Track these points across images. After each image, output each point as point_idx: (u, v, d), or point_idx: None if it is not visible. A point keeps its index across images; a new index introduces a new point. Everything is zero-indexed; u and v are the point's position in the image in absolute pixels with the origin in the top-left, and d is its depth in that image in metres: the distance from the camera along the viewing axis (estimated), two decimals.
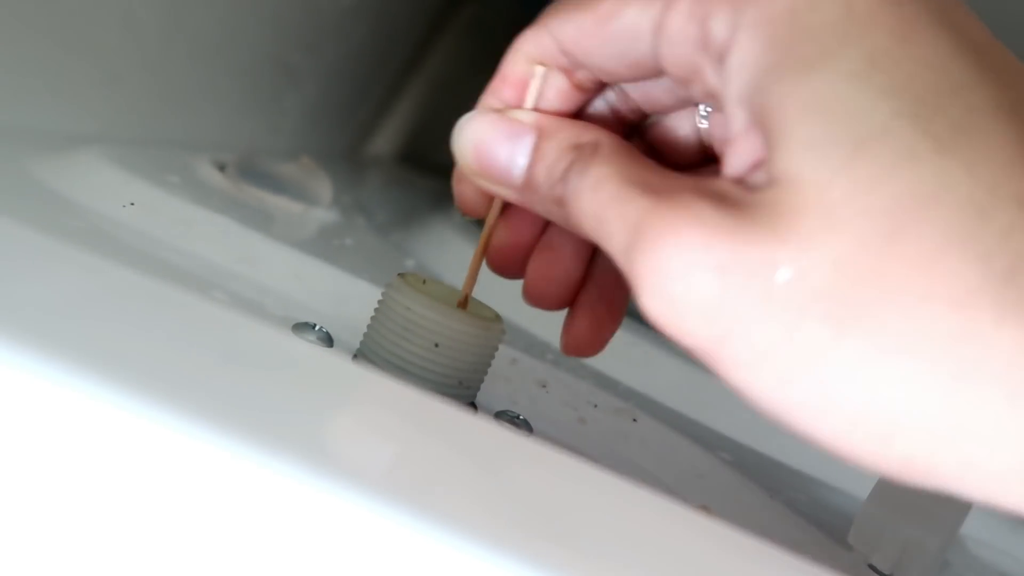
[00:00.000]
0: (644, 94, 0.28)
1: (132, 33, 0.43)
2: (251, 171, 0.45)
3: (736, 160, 0.23)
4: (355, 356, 0.31)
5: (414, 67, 0.86)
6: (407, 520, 0.18)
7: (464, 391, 0.30)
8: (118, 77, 0.44)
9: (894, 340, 0.19)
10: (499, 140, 0.26)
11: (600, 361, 0.43)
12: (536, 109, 0.27)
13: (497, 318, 0.31)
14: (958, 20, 0.22)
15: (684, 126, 0.28)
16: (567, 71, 0.27)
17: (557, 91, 0.27)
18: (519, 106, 0.27)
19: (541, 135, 0.26)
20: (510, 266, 0.30)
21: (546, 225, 0.29)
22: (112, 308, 0.20)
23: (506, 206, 0.29)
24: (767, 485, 0.35)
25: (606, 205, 0.23)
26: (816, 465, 0.42)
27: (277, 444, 0.18)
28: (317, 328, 0.31)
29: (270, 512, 0.17)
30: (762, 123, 0.22)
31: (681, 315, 0.21)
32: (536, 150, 0.26)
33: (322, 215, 0.46)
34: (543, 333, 0.44)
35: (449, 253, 0.52)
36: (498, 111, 0.27)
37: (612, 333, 0.29)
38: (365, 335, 0.30)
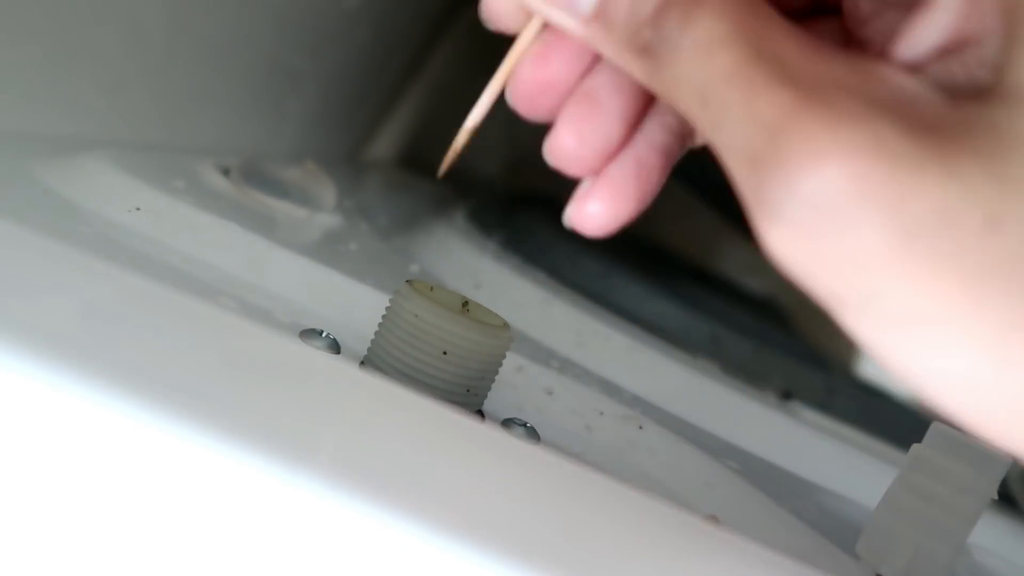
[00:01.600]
0: None
1: (136, 38, 0.43)
2: (255, 176, 0.45)
3: (925, 32, 0.17)
4: (362, 363, 0.31)
5: (415, 71, 0.86)
6: (416, 529, 0.18)
7: (472, 398, 0.30)
8: (122, 82, 0.44)
9: None
10: None
11: (606, 368, 0.43)
12: None
13: (505, 325, 0.31)
14: None
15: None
16: None
17: None
18: None
19: None
20: (537, 103, 0.23)
21: (592, 64, 0.22)
22: (122, 315, 0.20)
23: (546, 26, 0.22)
24: (774, 494, 0.35)
25: (723, 82, 0.17)
26: (823, 474, 0.42)
27: (287, 453, 0.18)
28: (324, 335, 0.31)
29: (279, 520, 0.17)
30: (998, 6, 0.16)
31: (827, 263, 0.16)
32: None
33: (326, 220, 0.46)
34: (548, 339, 0.44)
35: (453, 258, 0.51)
36: None
37: (631, 218, 0.23)
38: (373, 342, 0.30)
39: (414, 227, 0.59)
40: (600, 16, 0.20)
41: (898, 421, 0.54)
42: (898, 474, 0.31)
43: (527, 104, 0.23)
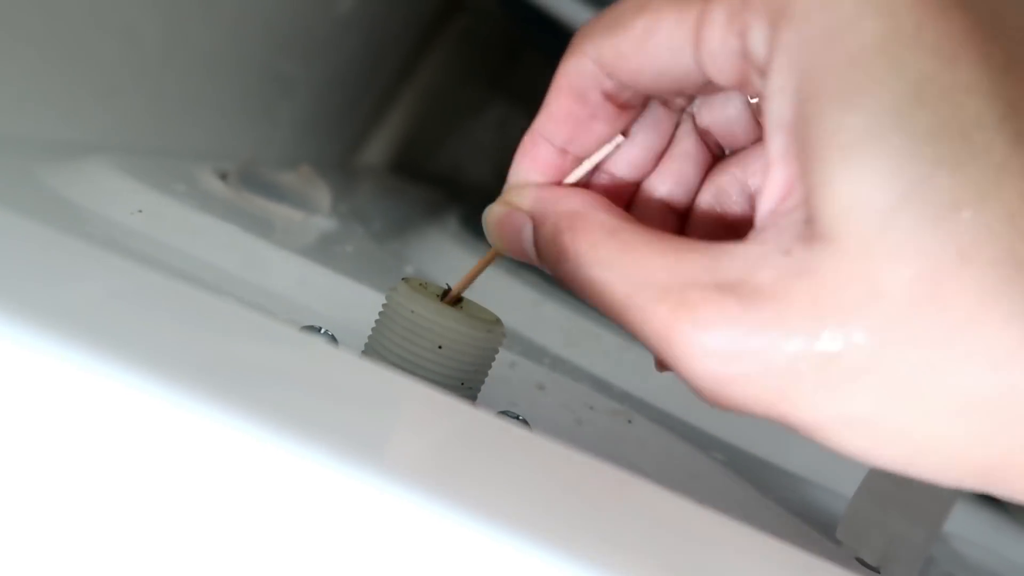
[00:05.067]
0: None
1: (132, 45, 0.44)
2: (252, 180, 0.46)
3: (771, 189, 0.22)
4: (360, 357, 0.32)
5: (406, 77, 0.87)
6: (430, 504, 0.18)
7: (466, 392, 0.31)
8: (118, 88, 0.45)
9: (940, 404, 0.20)
10: (509, 230, 0.27)
11: (595, 364, 0.44)
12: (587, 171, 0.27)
13: (498, 321, 0.32)
14: (1017, 21, 0.21)
15: (733, 102, 0.27)
16: (611, 95, 0.26)
17: (604, 119, 0.27)
18: (570, 143, 0.27)
19: (536, 221, 0.26)
20: None
21: None
22: (146, 307, 0.21)
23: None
24: (758, 485, 0.36)
25: (621, 310, 0.23)
26: (805, 465, 0.43)
27: (297, 430, 0.19)
28: (323, 331, 0.32)
29: (290, 492, 0.18)
30: (801, 157, 0.21)
31: (733, 402, 0.22)
32: (535, 236, 0.27)
33: (322, 223, 0.47)
34: (540, 337, 0.45)
35: (445, 260, 0.52)
36: (505, 198, 0.28)
37: None
38: (370, 337, 0.31)
39: (407, 231, 0.60)
40: (541, 263, 0.27)
41: None
42: None
43: None
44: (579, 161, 0.27)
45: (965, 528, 0.43)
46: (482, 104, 0.98)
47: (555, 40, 0.73)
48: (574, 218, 0.25)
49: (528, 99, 0.95)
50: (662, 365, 0.27)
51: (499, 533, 0.19)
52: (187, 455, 0.18)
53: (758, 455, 0.43)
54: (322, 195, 0.49)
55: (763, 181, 0.22)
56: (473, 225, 0.62)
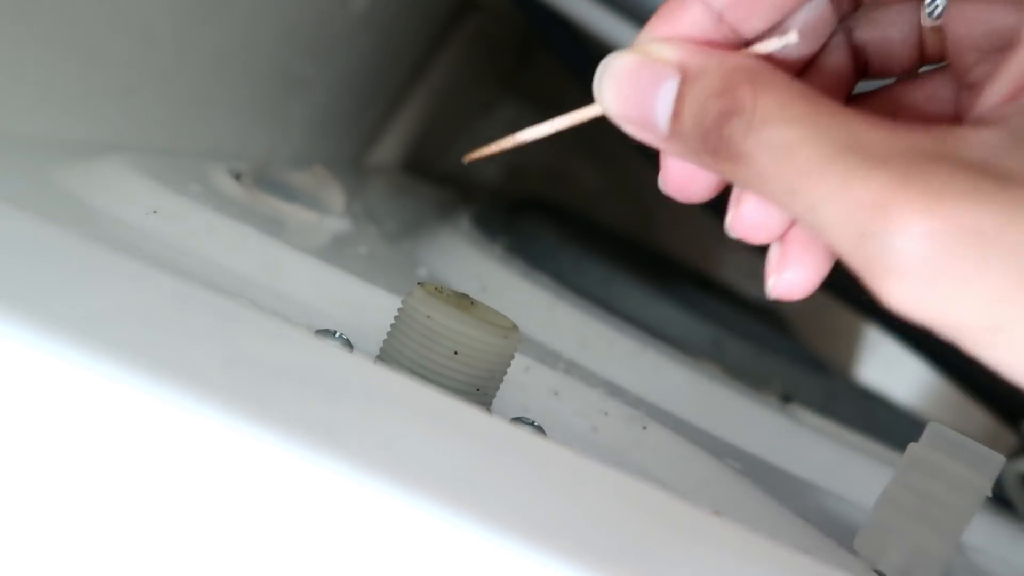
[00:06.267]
0: None
1: (148, 45, 0.44)
2: (266, 180, 0.46)
3: (1004, 81, 0.19)
4: (375, 362, 0.32)
5: (418, 76, 0.87)
6: (447, 515, 0.18)
7: (482, 397, 0.31)
8: (133, 87, 0.44)
9: None
10: (640, 84, 0.22)
11: (610, 370, 0.44)
12: (699, 41, 0.23)
13: (514, 327, 0.32)
14: None
15: (901, 22, 0.24)
16: None
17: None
18: (730, 10, 0.23)
19: (686, 77, 0.22)
20: (691, 190, 0.25)
21: None
22: (161, 314, 0.21)
23: None
24: (775, 494, 0.36)
25: (810, 177, 0.19)
26: (822, 475, 0.43)
27: (313, 439, 0.18)
28: (337, 335, 0.32)
29: (305, 500, 0.18)
30: None
31: (951, 308, 0.18)
32: (680, 96, 0.22)
33: (336, 224, 0.47)
34: (554, 343, 0.45)
35: (459, 262, 0.52)
36: (642, 48, 0.23)
37: (824, 276, 0.24)
38: (385, 342, 0.31)
39: (420, 231, 0.60)
40: (674, 133, 0.22)
41: (895, 424, 0.55)
42: (895, 472, 0.32)
43: (680, 192, 0.25)
44: (731, 33, 0.23)
45: (980, 538, 0.42)
46: (494, 104, 0.98)
47: (568, 41, 0.73)
48: (753, 73, 0.21)
49: (540, 99, 0.95)
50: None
51: (515, 545, 0.19)
52: (202, 463, 0.17)
53: (775, 464, 0.43)
54: (336, 196, 0.49)
55: (993, 74, 0.20)
56: (484, 225, 0.62)
